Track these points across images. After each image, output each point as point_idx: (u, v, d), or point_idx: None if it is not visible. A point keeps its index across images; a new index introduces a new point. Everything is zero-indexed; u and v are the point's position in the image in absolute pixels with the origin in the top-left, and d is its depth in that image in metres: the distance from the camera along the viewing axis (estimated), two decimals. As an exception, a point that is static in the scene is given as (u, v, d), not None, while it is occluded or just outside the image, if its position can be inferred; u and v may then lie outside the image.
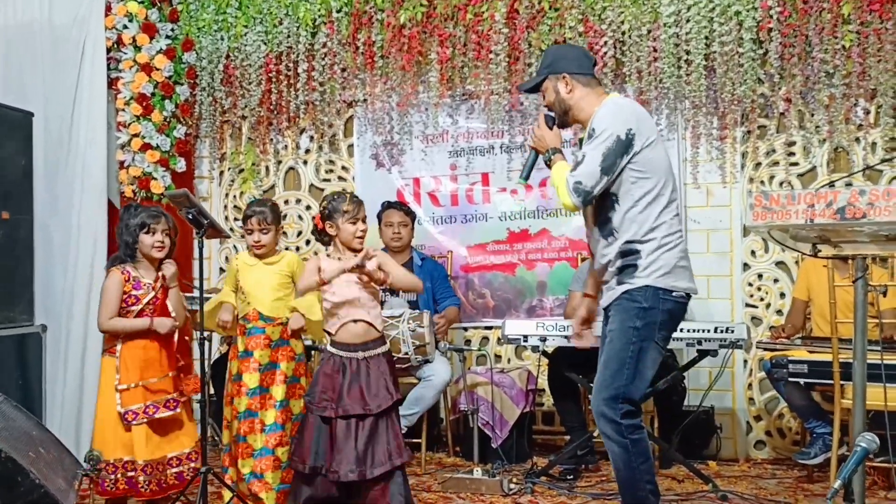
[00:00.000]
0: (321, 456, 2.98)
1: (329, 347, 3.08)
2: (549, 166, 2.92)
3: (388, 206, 4.62)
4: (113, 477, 3.25)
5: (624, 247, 2.80)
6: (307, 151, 5.28)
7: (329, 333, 3.09)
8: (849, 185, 4.24)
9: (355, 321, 3.05)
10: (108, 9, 4.93)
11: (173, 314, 3.40)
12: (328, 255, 3.15)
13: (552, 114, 2.97)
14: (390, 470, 2.99)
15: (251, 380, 3.39)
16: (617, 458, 2.78)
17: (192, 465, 3.36)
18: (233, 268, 3.57)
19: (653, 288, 2.77)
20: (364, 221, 3.09)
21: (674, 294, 2.81)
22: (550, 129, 2.94)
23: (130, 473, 3.25)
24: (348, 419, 2.97)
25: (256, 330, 3.42)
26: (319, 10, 4.97)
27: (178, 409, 3.38)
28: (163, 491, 3.32)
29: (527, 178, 3.00)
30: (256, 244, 3.46)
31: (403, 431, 4.05)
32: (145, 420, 3.29)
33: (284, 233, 4.57)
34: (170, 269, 3.42)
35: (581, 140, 2.96)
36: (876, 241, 2.59)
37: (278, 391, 3.39)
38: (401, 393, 3.12)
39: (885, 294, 3.89)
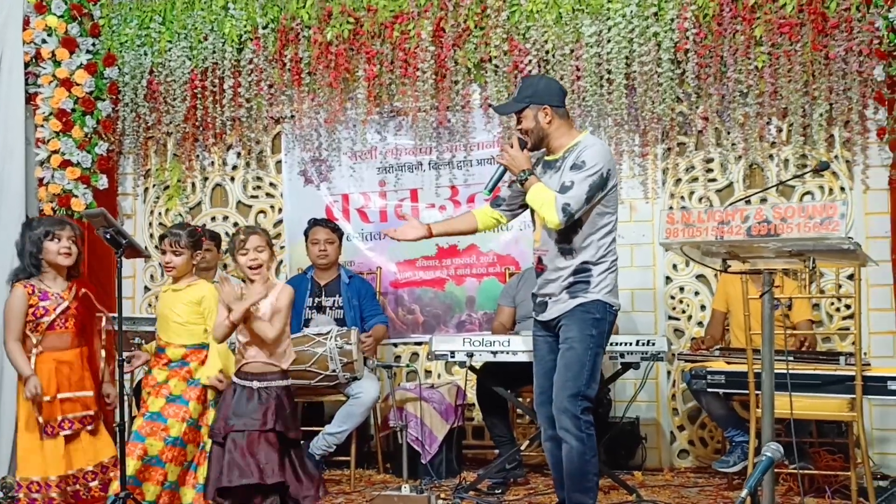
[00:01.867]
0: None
1: (233, 377, 3.17)
2: (521, 185, 3.21)
3: (314, 223, 4.60)
4: (38, 497, 3.19)
5: (580, 266, 3.16)
6: (234, 168, 5.23)
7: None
8: (764, 200, 4.41)
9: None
10: (27, 22, 4.83)
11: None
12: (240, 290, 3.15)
13: (526, 138, 3.26)
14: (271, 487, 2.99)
15: (154, 404, 3.35)
16: (573, 451, 3.10)
17: (92, 483, 3.32)
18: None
19: (602, 302, 3.18)
20: (258, 251, 3.10)
21: (614, 308, 3.24)
22: (522, 150, 3.24)
23: (35, 495, 3.18)
24: (238, 433, 3.03)
25: (160, 350, 3.42)
26: (245, 27, 4.94)
27: (94, 426, 3.36)
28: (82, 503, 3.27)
29: (491, 191, 3.33)
30: (167, 265, 3.43)
31: (331, 450, 4.12)
32: (62, 433, 3.25)
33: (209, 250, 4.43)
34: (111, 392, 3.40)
35: (544, 162, 3.29)
36: (781, 256, 2.70)
37: (176, 427, 3.31)
38: (281, 425, 3.07)
39: (790, 307, 4.06)
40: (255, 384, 3.08)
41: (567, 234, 3.17)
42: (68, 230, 3.34)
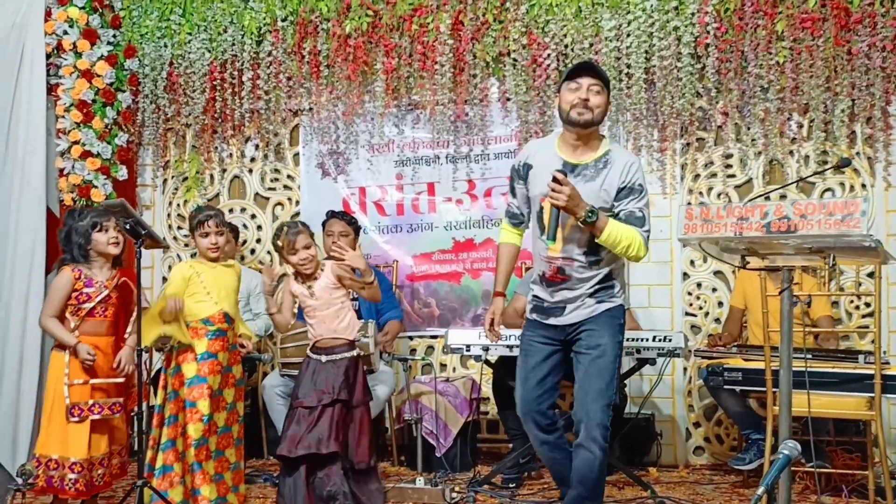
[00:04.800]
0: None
1: (308, 352, 3.48)
2: (589, 224, 2.90)
3: (331, 215, 4.60)
4: (55, 474, 3.23)
5: (607, 274, 3.07)
6: (252, 160, 5.25)
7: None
8: (783, 196, 4.37)
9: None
10: (48, 14, 4.87)
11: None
12: (295, 280, 3.48)
13: (563, 170, 2.93)
14: (329, 456, 3.29)
15: (215, 382, 3.39)
16: (596, 460, 3.01)
17: (101, 471, 3.34)
18: (182, 275, 3.45)
19: (622, 307, 3.13)
20: (307, 248, 3.40)
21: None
22: None
23: (52, 472, 3.22)
24: (306, 409, 3.36)
25: (220, 332, 3.43)
26: (264, 19, 4.95)
27: (121, 413, 3.40)
28: (90, 490, 3.31)
29: (554, 237, 2.98)
30: (213, 246, 3.45)
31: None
32: (89, 417, 3.28)
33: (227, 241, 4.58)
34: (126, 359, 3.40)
35: (565, 163, 3.00)
36: (801, 253, 2.67)
37: (230, 394, 3.47)
38: (346, 394, 3.38)
39: (809, 304, 4.02)
40: (324, 358, 3.40)
41: (597, 247, 3.01)
42: (113, 220, 3.39)
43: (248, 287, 4.59)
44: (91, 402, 3.30)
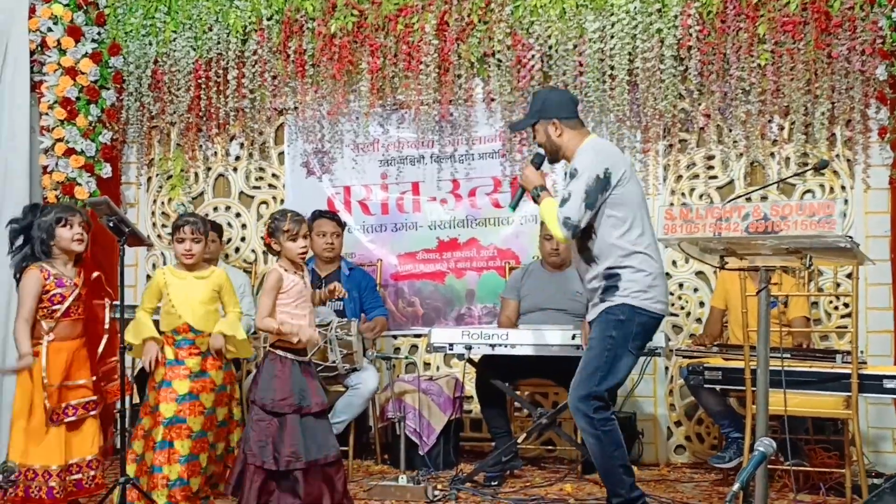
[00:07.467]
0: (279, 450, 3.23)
1: (280, 352, 3.30)
2: (536, 202, 3.32)
3: (319, 215, 4.61)
4: (34, 484, 3.19)
5: (606, 271, 3.19)
6: (237, 158, 5.24)
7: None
8: (764, 198, 4.41)
9: None
10: (32, 11, 4.85)
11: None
12: (284, 269, 3.34)
13: (542, 152, 3.37)
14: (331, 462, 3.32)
15: (181, 386, 3.39)
16: (593, 447, 3.18)
17: (93, 472, 3.33)
18: (157, 283, 3.49)
19: (629, 305, 3.18)
20: (305, 238, 3.36)
21: (645, 311, 3.20)
22: (537, 168, 3.36)
23: (31, 482, 3.19)
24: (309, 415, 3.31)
25: (186, 342, 3.44)
26: (250, 18, 4.95)
27: (97, 412, 3.38)
28: (65, 498, 3.27)
29: (514, 208, 3.56)
30: (187, 252, 3.46)
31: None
32: (66, 419, 3.26)
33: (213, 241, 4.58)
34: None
35: (568, 174, 3.28)
36: (778, 254, 2.71)
37: (208, 399, 3.42)
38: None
39: (786, 304, 4.07)
40: (306, 359, 3.37)
41: (584, 243, 3.24)
42: (79, 217, 3.36)
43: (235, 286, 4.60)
44: (65, 404, 3.28)
